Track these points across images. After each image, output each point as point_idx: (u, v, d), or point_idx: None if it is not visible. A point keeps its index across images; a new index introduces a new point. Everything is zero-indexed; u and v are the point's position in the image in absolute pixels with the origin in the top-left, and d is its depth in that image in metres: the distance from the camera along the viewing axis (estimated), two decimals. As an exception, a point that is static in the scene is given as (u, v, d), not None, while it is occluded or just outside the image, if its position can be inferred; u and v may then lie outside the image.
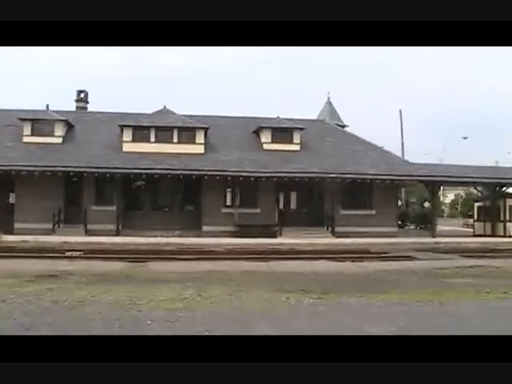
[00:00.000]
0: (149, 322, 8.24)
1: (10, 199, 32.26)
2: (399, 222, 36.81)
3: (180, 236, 29.70)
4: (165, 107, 36.15)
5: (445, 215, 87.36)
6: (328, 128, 40.20)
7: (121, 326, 8.06)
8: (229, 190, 33.27)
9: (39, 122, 34.16)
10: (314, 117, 49.43)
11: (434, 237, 32.82)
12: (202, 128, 33.94)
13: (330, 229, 32.81)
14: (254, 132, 36.27)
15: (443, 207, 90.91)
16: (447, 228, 39.61)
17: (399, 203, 41.50)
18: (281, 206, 33.65)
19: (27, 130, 33.82)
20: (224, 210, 32.93)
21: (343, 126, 49.05)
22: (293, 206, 34.78)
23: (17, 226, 30.75)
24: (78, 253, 21.11)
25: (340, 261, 20.02)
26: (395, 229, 34.43)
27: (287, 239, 29.07)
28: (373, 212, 34.10)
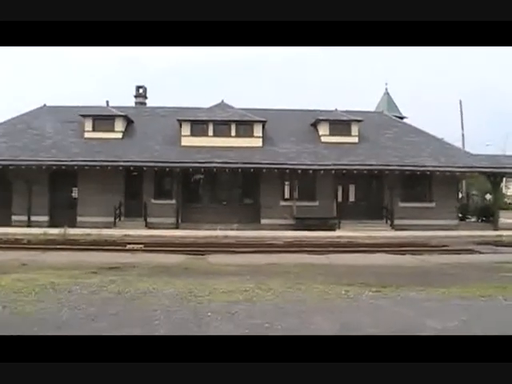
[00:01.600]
0: (209, 314, 8.35)
1: (73, 194, 33.04)
2: (460, 215, 36.09)
3: (238, 229, 29.84)
4: (222, 101, 36.34)
5: (508, 208, 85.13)
6: (386, 119, 39.69)
7: (181, 317, 8.21)
8: (287, 183, 33.27)
9: (100, 118, 34.83)
10: (371, 109, 48.90)
11: (496, 230, 32.04)
12: (260, 121, 34.00)
13: (388, 221, 32.43)
14: (312, 125, 36.11)
15: (506, 199, 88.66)
16: (510, 221, 38.64)
17: (460, 195, 40.73)
18: (339, 198, 33.43)
19: (88, 125, 34.54)
20: (282, 203, 32.94)
21: (402, 118, 48.30)
22: (351, 198, 34.46)
23: (79, 219, 31.54)
24: (139, 246, 21.46)
25: (399, 254, 19.84)
26: (455, 221, 33.73)
27: (346, 232, 28.90)
28: (432, 204, 33.52)
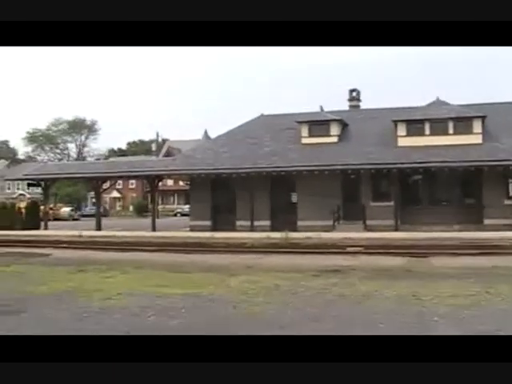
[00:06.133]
0: (435, 318, 8.13)
1: (292, 198, 34.00)
2: None
3: (460, 230, 28.67)
4: (437, 98, 35.24)
5: None
6: None
7: (406, 321, 8.08)
8: (511, 180, 31.37)
9: (315, 124, 35.45)
10: None
11: None
12: (479, 117, 32.30)
13: None
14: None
15: None
16: None
17: None
18: None
19: (304, 131, 35.36)
20: (506, 202, 31.04)
21: None
22: None
23: (299, 223, 32.36)
24: (359, 248, 21.49)
25: None
26: None
27: None
28: None
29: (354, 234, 27.52)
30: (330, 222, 31.30)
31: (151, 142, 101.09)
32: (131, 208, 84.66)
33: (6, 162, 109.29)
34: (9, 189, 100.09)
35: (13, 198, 72.00)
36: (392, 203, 31.41)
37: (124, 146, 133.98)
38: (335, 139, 34.85)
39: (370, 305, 9.46)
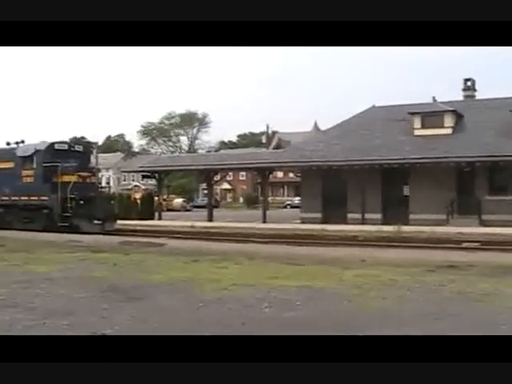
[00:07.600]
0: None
1: (405, 191, 33.30)
2: None
3: None
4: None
5: None
6: None
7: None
8: None
9: (428, 115, 34.73)
10: None
11: None
12: None
13: None
14: None
15: None
16: None
17: None
18: None
19: (417, 123, 34.64)
20: None
21: None
22: None
23: (411, 217, 31.71)
24: (475, 244, 20.78)
25: None
26: None
27: None
28: None
29: (469, 228, 26.67)
30: (444, 216, 30.49)
31: (261, 134, 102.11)
32: (241, 200, 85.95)
33: (122, 155, 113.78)
34: (124, 180, 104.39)
35: (128, 189, 74.84)
36: (511, 197, 30.11)
37: (234, 139, 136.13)
38: (449, 131, 33.88)
39: (492, 304, 9.09)
